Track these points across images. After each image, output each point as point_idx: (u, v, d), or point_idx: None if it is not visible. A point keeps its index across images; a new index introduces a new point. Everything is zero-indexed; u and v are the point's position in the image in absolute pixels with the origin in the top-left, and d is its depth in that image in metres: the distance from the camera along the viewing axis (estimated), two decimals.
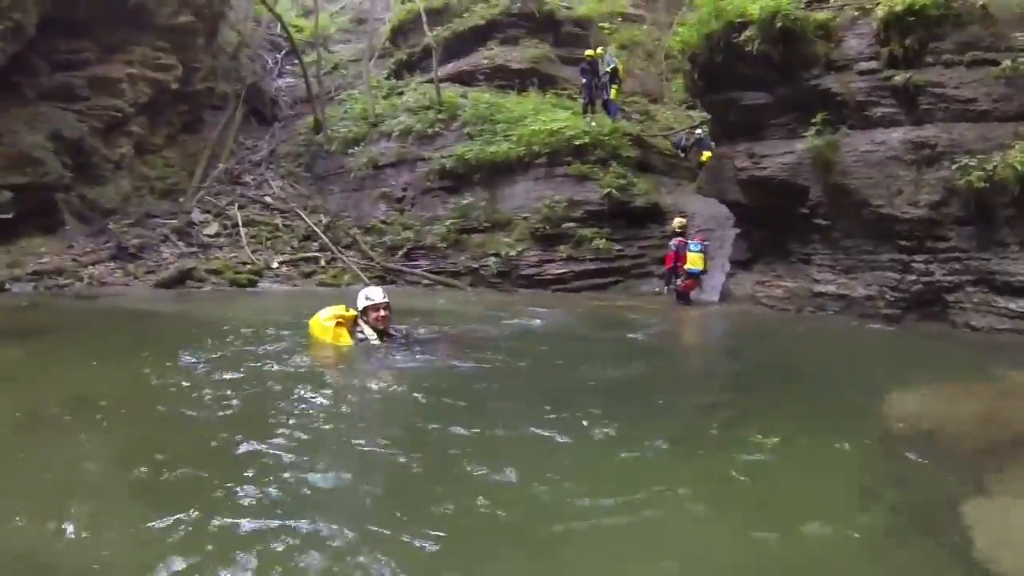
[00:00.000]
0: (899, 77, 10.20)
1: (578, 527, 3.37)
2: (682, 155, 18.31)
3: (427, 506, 3.48)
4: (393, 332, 7.26)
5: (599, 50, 18.68)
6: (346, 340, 6.92)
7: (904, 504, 3.87)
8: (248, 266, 15.72)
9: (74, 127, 15.88)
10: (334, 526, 3.16)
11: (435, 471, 4.04)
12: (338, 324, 6.93)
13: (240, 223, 17.11)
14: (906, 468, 4.39)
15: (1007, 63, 9.25)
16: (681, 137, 18.58)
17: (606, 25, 21.86)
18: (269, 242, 17.01)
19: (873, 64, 10.66)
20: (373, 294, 7.18)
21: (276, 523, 3.15)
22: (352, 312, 7.07)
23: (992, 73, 9.47)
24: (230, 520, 3.18)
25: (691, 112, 19.85)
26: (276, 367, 6.37)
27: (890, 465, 4.52)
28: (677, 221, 14.08)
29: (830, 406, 5.84)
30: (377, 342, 6.99)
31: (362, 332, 7.00)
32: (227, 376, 6.00)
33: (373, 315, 7.03)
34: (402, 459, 4.19)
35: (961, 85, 9.78)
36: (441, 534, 3.16)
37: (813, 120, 11.10)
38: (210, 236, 16.64)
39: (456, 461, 4.12)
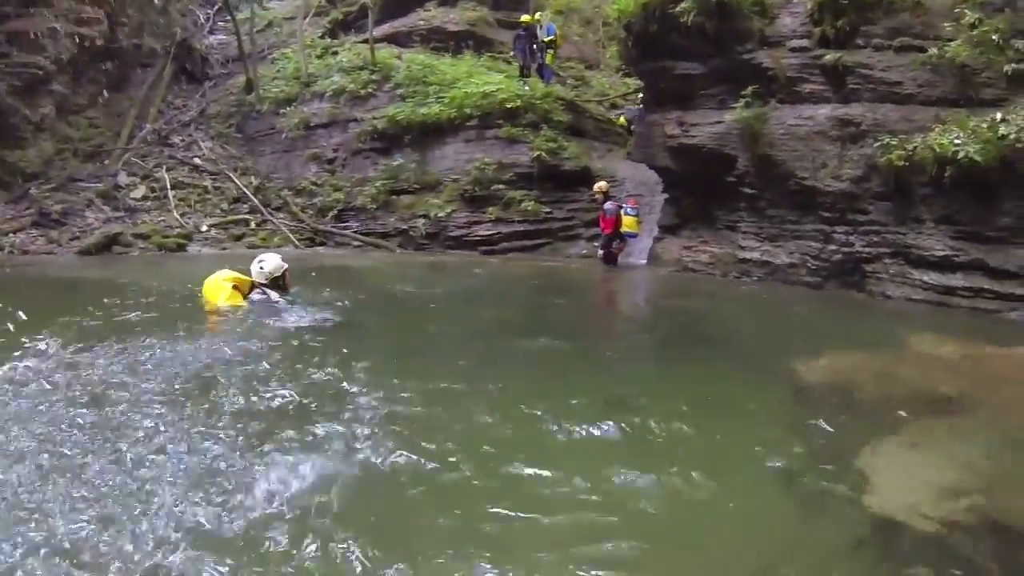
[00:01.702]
0: (829, 56, 10.08)
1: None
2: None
3: None
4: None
5: (537, 15, 18.09)
6: (238, 302, 6.87)
7: (805, 452, 4.08)
8: (177, 230, 14.77)
9: None
10: None
11: None
12: (235, 287, 6.92)
13: (168, 186, 15.97)
14: (810, 420, 4.58)
15: (934, 51, 9.18)
16: (634, 110, 17.85)
17: None
18: (198, 205, 15.96)
19: (805, 42, 10.50)
20: (275, 258, 7.32)
21: None
22: (248, 278, 7.06)
23: (919, 59, 9.40)
24: None
25: (627, 80, 19.45)
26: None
27: (796, 417, 4.75)
28: (599, 185, 13.79)
29: (745, 365, 6.19)
30: (283, 301, 7.08)
31: (264, 293, 7.02)
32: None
33: (287, 278, 7.31)
34: None
35: (889, 68, 9.69)
36: None
37: (743, 92, 10.95)
38: (137, 200, 15.47)
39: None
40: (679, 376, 5.93)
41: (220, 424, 3.94)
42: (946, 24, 9.27)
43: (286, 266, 7.28)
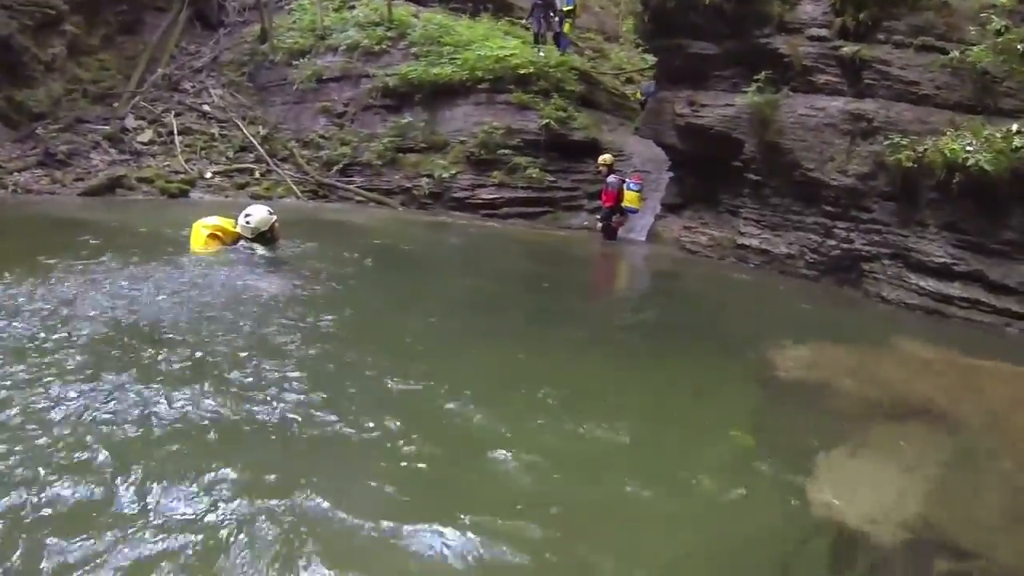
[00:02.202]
0: (847, 48, 9.84)
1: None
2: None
3: None
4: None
5: None
6: (211, 248, 6.69)
7: (757, 446, 4.08)
8: (180, 175, 14.54)
9: (3, 24, 13.93)
10: None
11: None
12: (212, 236, 6.72)
13: (175, 131, 15.70)
14: (772, 413, 4.67)
15: (955, 54, 8.89)
16: (650, 87, 17.35)
17: None
18: (204, 152, 15.71)
19: (824, 32, 10.27)
20: (262, 210, 6.97)
21: None
22: (235, 229, 6.79)
23: (939, 61, 9.11)
24: None
25: (645, 55, 19.06)
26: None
27: (758, 411, 4.77)
28: (603, 158, 13.62)
29: (721, 351, 6.20)
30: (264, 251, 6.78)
31: (250, 248, 6.73)
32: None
33: (276, 231, 6.95)
34: None
35: (907, 67, 9.42)
36: None
37: (756, 77, 10.76)
38: (143, 143, 15.21)
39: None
40: (650, 362, 5.86)
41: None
42: (971, 28, 8.96)
43: (275, 218, 6.90)
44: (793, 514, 3.34)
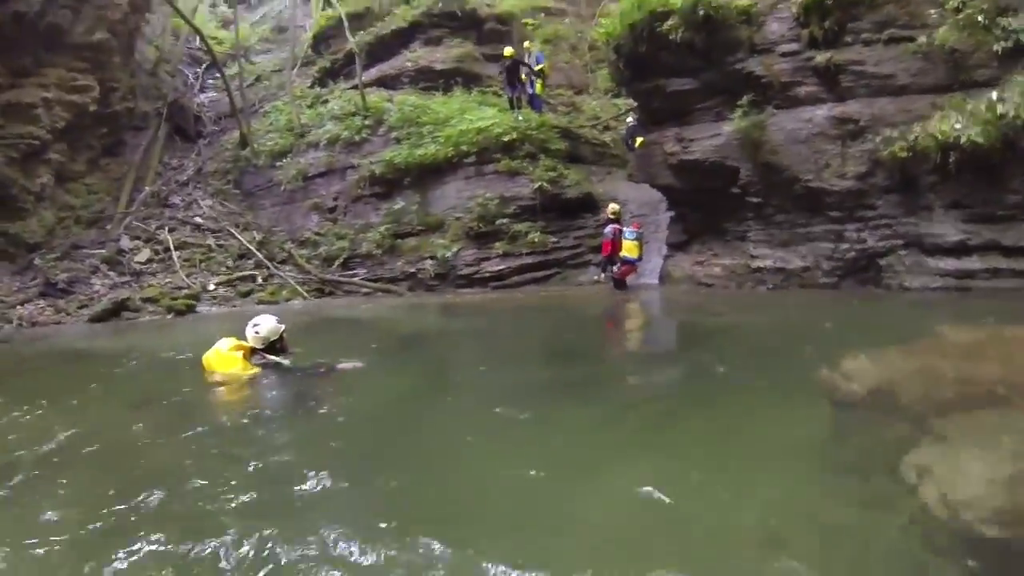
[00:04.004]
0: (820, 57, 10.38)
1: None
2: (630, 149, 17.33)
3: None
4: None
5: (526, 44, 18.59)
6: (252, 367, 6.67)
7: (856, 454, 4.14)
8: (184, 291, 14.99)
9: None
10: None
11: None
12: (244, 356, 6.68)
13: (172, 247, 16.33)
14: (854, 426, 4.65)
15: (922, 39, 9.51)
16: (634, 128, 17.20)
17: (529, 21, 21.71)
18: (203, 264, 16.29)
19: (795, 46, 10.78)
20: (271, 320, 6.88)
21: None
22: (247, 344, 6.76)
23: (909, 49, 9.71)
24: None
25: (616, 101, 19.92)
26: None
27: (840, 425, 4.81)
28: (612, 207, 14.10)
29: (776, 382, 6.00)
30: (287, 361, 6.75)
31: (264, 359, 6.70)
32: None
33: (285, 338, 6.92)
34: None
35: (880, 62, 9.99)
36: None
37: (739, 102, 11.25)
38: (142, 263, 15.82)
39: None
40: (715, 412, 5.50)
41: None
42: (931, 11, 9.56)
43: (283, 327, 6.87)
44: (910, 511, 3.35)
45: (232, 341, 6.81)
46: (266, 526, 3.29)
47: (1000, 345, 6.37)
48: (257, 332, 6.72)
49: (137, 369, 8.51)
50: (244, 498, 3.73)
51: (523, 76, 17.49)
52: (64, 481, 4.28)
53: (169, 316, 13.95)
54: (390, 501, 3.75)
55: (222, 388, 6.58)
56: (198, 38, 22.97)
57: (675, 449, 4.57)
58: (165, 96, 21.07)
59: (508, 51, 17.59)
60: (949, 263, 9.33)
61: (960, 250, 9.21)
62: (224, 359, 6.67)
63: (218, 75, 22.37)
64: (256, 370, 6.63)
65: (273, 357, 6.71)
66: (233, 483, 3.95)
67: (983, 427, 4.41)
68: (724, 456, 4.30)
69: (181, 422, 5.41)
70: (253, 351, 6.74)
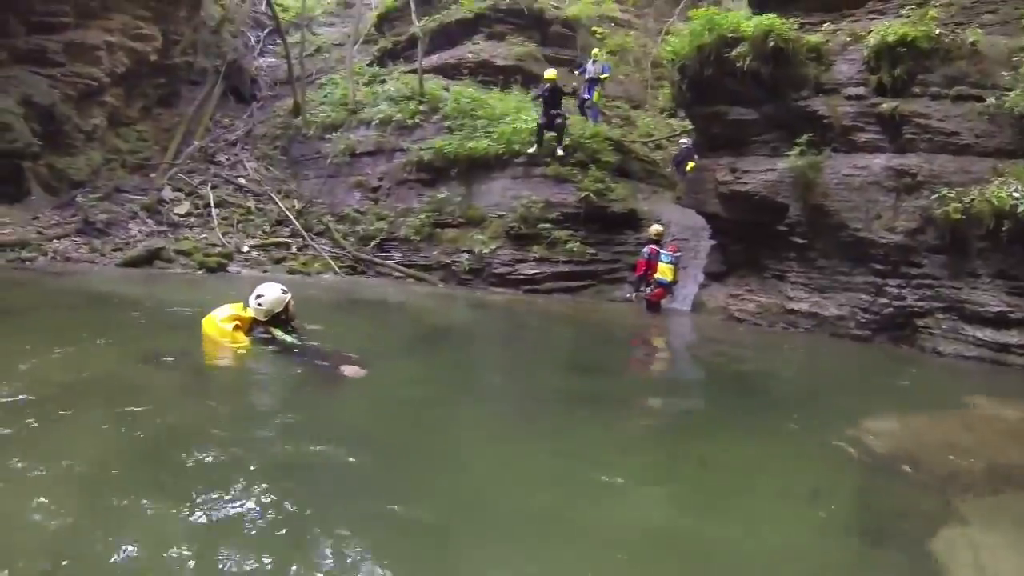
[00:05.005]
0: (886, 105, 10.39)
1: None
2: (679, 172, 17.42)
3: None
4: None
5: (594, 51, 18.58)
6: (243, 341, 6.35)
7: (877, 530, 4.01)
8: (218, 248, 15.36)
9: (46, 93, 15.37)
10: None
11: None
12: (236, 327, 6.34)
13: (212, 203, 16.76)
14: (879, 496, 4.55)
15: (992, 100, 9.49)
16: (687, 152, 17.19)
17: (597, 29, 21.79)
18: (240, 225, 16.68)
19: (861, 90, 10.79)
20: (275, 289, 6.53)
21: None
22: (249, 313, 6.42)
23: (976, 109, 9.70)
24: None
25: (671, 121, 19.99)
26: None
27: (864, 493, 4.66)
28: (654, 228, 14.13)
29: (801, 432, 5.95)
30: (290, 339, 6.40)
31: (265, 333, 6.37)
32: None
33: (292, 309, 6.59)
34: None
35: (946, 118, 9.98)
36: None
37: (797, 140, 11.23)
38: (180, 215, 16.26)
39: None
40: (733, 436, 5.66)
41: None
42: (1004, 73, 9.57)
43: (288, 297, 6.51)
44: None
45: (229, 310, 6.45)
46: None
47: None
48: (260, 303, 6.36)
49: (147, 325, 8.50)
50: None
51: (558, 108, 16.13)
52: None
53: (200, 271, 14.27)
54: (390, 501, 3.80)
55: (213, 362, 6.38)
56: (264, 2, 23.54)
57: (688, 482, 4.63)
58: (225, 55, 21.54)
59: (550, 73, 16.41)
60: (987, 333, 9.32)
61: (1000, 321, 9.20)
62: (217, 329, 6.36)
63: (279, 41, 22.72)
64: (246, 342, 6.31)
65: (277, 332, 6.35)
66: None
67: (1010, 512, 4.48)
68: (737, 494, 4.38)
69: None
70: (255, 322, 6.40)
